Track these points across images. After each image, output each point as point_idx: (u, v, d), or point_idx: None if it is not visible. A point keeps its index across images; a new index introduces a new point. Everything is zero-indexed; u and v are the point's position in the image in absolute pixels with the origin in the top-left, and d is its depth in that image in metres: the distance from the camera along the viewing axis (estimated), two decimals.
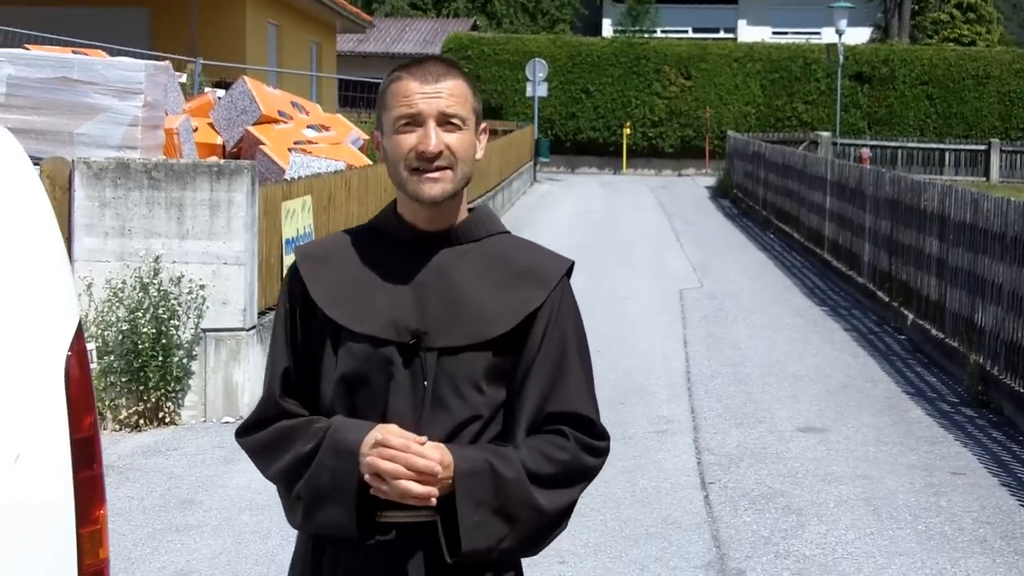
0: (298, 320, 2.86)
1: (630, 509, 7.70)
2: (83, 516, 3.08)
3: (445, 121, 2.76)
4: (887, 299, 15.26)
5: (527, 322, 2.80)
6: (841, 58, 38.89)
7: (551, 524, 2.77)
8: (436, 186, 2.74)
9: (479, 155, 2.85)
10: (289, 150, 13.81)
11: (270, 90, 15.75)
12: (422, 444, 2.66)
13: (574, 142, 45.36)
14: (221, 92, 17.91)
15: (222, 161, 9.89)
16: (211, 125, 14.68)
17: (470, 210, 2.89)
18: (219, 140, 14.56)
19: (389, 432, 2.67)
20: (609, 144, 45.19)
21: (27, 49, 13.47)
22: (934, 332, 13.04)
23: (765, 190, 27.08)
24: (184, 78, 19.49)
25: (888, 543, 7.23)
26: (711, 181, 38.10)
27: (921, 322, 13.61)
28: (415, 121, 2.75)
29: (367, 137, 16.17)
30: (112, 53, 15.08)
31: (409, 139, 2.75)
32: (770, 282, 18.28)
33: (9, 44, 17.85)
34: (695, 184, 38.75)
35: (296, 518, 2.81)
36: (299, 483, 2.76)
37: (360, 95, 39.07)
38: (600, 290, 16.92)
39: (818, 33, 51.83)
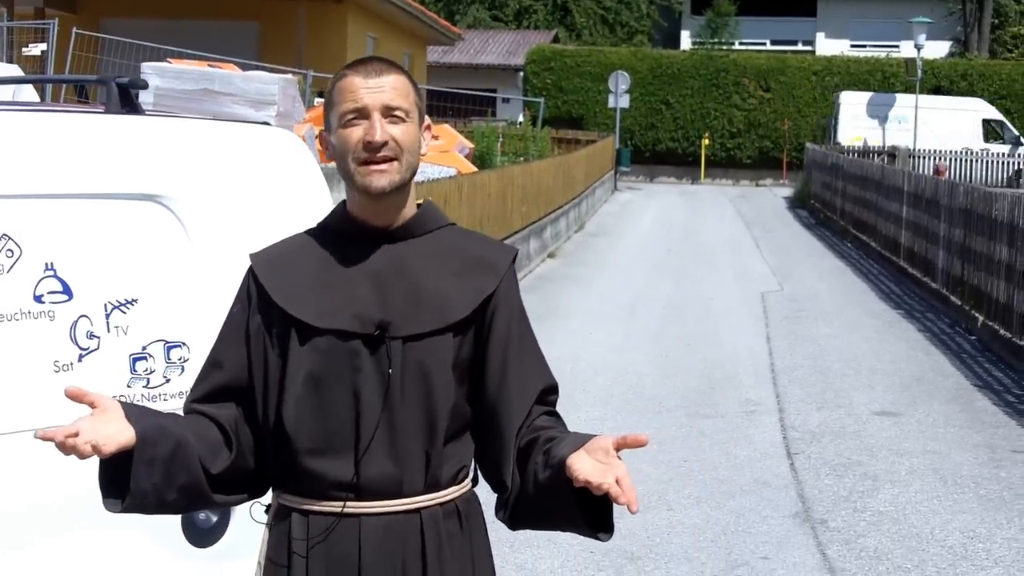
0: (251, 325, 2.93)
1: (725, 472, 8.83)
2: None
3: (389, 113, 2.83)
4: (959, 302, 16.22)
5: (483, 307, 2.91)
6: (920, 72, 39.58)
7: None
8: (383, 177, 2.81)
9: (424, 150, 2.93)
10: None
11: None
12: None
13: (653, 152, 46.44)
14: None
15: None
16: None
17: (418, 205, 2.98)
18: None
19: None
20: (688, 154, 46.23)
21: (169, 63, 14.74)
22: (1002, 332, 14.00)
23: (843, 201, 28.00)
24: None
25: (952, 504, 8.29)
26: (789, 192, 38.98)
27: (991, 323, 14.56)
28: (361, 114, 2.82)
29: (472, 146, 17.33)
30: (243, 67, 16.34)
31: (356, 132, 2.82)
32: (848, 287, 19.26)
33: (131, 55, 19.21)
34: (773, 194, 39.65)
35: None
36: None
37: (448, 104, 40.31)
38: (686, 292, 18.00)
39: (897, 47, 52.43)
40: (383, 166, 2.81)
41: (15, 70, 11.58)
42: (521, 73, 48.71)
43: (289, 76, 14.56)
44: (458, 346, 2.89)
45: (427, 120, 2.95)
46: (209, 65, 14.97)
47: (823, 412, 10.81)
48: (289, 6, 24.82)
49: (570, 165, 27.20)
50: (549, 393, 2.96)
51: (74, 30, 20.08)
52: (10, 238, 3.54)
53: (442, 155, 15.97)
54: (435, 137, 16.75)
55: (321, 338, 2.85)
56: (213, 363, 2.96)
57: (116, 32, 21.31)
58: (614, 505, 2.72)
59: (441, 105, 40.78)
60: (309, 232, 3.01)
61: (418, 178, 12.35)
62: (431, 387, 2.85)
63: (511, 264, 2.99)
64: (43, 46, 20.11)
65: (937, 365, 13.15)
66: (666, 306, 16.64)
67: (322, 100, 19.70)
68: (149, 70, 13.93)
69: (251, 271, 2.97)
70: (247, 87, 13.53)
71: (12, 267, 3.54)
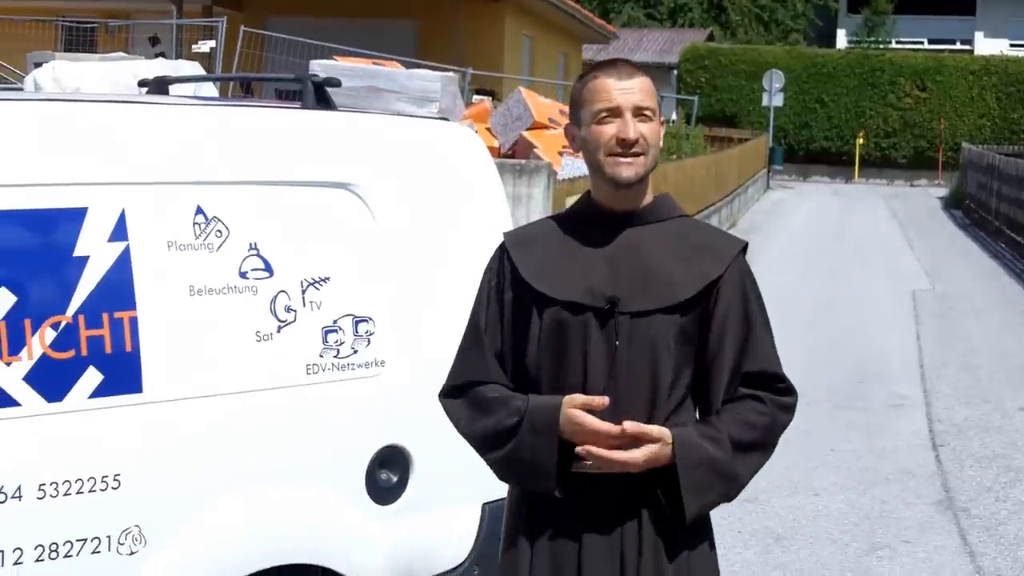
0: (505, 296, 3.24)
1: (870, 460, 9.08)
2: None
3: (639, 113, 3.10)
4: None
5: (708, 291, 3.13)
6: None
7: (744, 484, 3.16)
8: (631, 169, 3.08)
9: (661, 144, 3.19)
10: (559, 153, 15.38)
11: (541, 99, 17.35)
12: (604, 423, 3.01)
13: (806, 151, 46.29)
14: (488, 99, 19.62)
15: (523, 161, 11.49)
16: (488, 130, 16.34)
17: (655, 196, 3.25)
18: (496, 143, 16.21)
19: (573, 417, 3.03)
20: (841, 153, 45.98)
21: (336, 60, 15.29)
22: None
23: (998, 201, 27.74)
24: None
25: None
26: (943, 192, 38.62)
27: None
28: (614, 113, 3.10)
29: None
30: (406, 65, 16.85)
31: (609, 129, 3.09)
32: (1000, 287, 19.22)
33: (296, 53, 19.80)
34: (927, 194, 39.32)
35: (498, 475, 3.24)
36: (501, 451, 3.14)
37: None
38: (838, 289, 18.14)
39: None
40: (631, 159, 3.08)
41: (197, 68, 12.15)
42: (675, 71, 48.82)
43: (450, 74, 15.00)
44: (682, 325, 3.12)
45: (661, 118, 3.22)
46: (373, 63, 15.49)
47: (970, 407, 10.97)
48: (448, 5, 25.31)
49: (722, 163, 27.36)
50: (765, 378, 3.14)
51: (242, 28, 20.72)
52: (220, 220, 3.99)
53: None
54: None
55: (556, 308, 3.15)
56: (477, 329, 3.27)
57: (280, 30, 21.83)
58: (754, 490, 2.96)
59: None
60: (555, 217, 3.35)
61: (575, 174, 12.69)
62: (653, 361, 3.10)
63: (739, 253, 3.21)
64: (211, 43, 20.77)
65: None
66: (817, 302, 16.80)
67: (481, 97, 20.18)
68: (318, 68, 14.46)
69: (503, 248, 3.30)
70: (410, 84, 13.88)
71: (221, 246, 3.99)
